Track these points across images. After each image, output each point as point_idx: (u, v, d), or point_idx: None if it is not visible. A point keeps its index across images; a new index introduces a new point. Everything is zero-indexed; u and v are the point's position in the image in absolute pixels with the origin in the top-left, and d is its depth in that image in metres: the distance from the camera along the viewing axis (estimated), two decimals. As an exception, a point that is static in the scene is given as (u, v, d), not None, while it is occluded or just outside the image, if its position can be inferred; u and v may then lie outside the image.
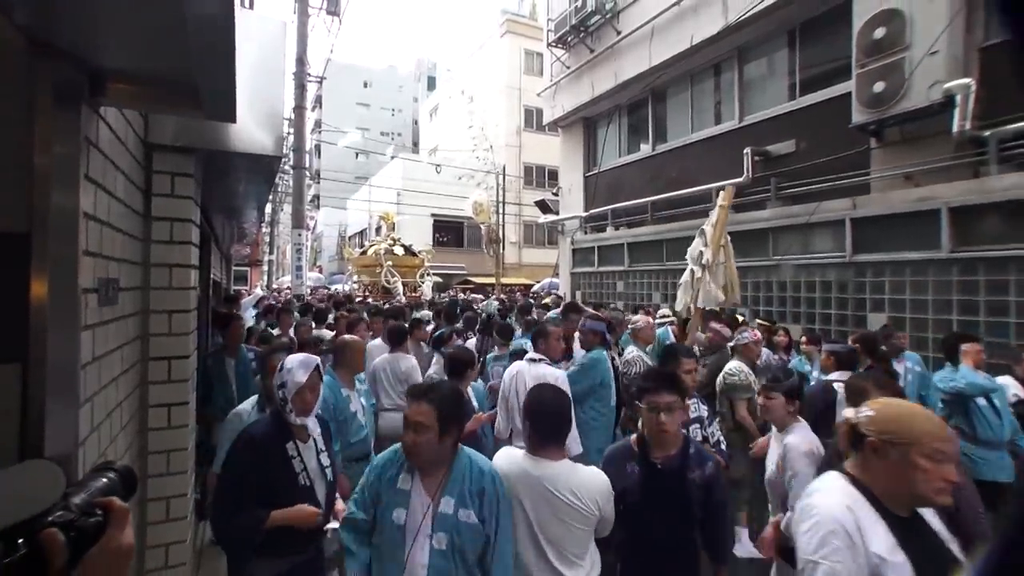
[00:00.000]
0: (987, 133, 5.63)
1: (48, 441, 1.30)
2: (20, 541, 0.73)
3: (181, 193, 2.67)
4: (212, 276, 6.69)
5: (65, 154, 1.41)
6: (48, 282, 1.34)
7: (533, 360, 3.90)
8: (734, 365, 4.64)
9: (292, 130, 13.90)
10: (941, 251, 6.04)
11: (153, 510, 2.53)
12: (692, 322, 5.63)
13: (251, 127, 2.82)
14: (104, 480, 0.91)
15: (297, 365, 2.35)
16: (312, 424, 2.41)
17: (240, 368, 4.76)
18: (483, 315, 8.28)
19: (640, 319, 5.35)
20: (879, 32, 6.22)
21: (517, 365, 3.96)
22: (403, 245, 15.54)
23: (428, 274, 15.60)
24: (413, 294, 14.15)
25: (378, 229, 16.92)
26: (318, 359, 2.45)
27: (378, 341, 5.81)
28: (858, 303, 6.98)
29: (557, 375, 3.77)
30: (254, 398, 3.17)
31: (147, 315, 2.53)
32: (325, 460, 2.46)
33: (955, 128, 5.65)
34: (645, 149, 11.66)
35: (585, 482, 2.15)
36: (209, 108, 1.88)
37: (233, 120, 2.04)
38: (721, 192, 5.76)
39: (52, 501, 0.78)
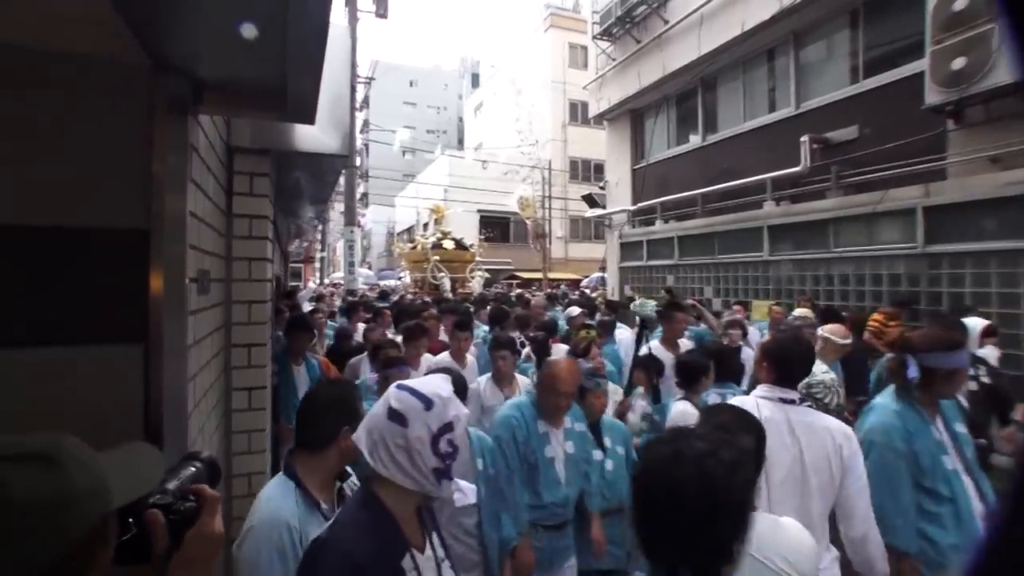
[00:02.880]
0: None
1: (166, 414, 1.45)
2: (131, 521, 0.78)
3: (258, 192, 2.84)
4: (274, 271, 7.00)
5: (176, 159, 1.56)
6: (164, 272, 1.49)
7: (788, 401, 2.29)
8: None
9: (344, 130, 14.37)
10: (1034, 240, 5.61)
11: (237, 485, 2.73)
12: None
13: (318, 128, 2.96)
14: (192, 469, 0.96)
15: (448, 395, 1.42)
16: (470, 491, 1.57)
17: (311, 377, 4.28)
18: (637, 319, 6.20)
19: (832, 327, 3.88)
20: (959, 3, 5.72)
21: (755, 404, 2.27)
22: (453, 239, 14.92)
23: (478, 269, 15.13)
24: (462, 290, 13.64)
25: (436, 222, 16.71)
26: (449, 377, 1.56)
27: (445, 356, 4.45)
28: (932, 297, 6.59)
29: (846, 431, 2.23)
30: (278, 480, 1.76)
31: (229, 305, 2.71)
32: None
33: (1055, 103, 5.10)
34: (695, 140, 11.46)
35: (795, 544, 1.52)
36: (293, 111, 2.01)
37: (312, 122, 2.18)
38: None
39: (157, 480, 0.84)
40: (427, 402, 1.38)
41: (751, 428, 1.69)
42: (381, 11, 13.63)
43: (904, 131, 6.86)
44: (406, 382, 1.46)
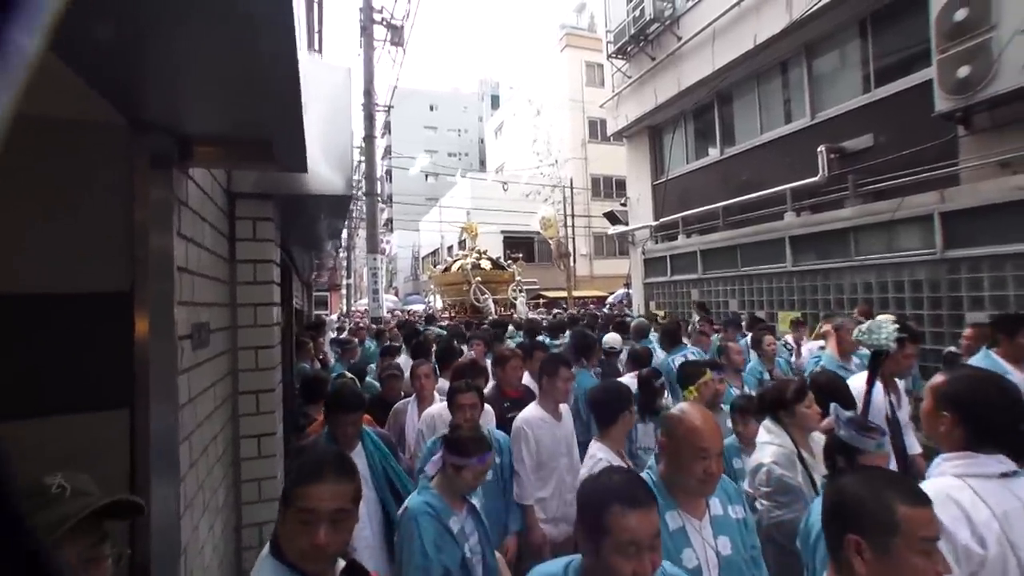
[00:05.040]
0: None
1: (154, 479, 1.46)
2: None
3: (262, 236, 2.89)
4: (294, 304, 7.11)
5: (160, 217, 1.60)
6: (148, 334, 1.52)
7: (1010, 474, 1.60)
8: None
9: (364, 158, 14.55)
10: (1046, 241, 5.55)
11: (247, 536, 2.73)
12: None
13: (323, 170, 3.01)
14: None
15: None
16: None
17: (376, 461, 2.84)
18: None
19: None
20: (960, 13, 5.82)
21: (966, 490, 1.58)
22: (490, 258, 14.40)
23: (521, 289, 14.41)
24: (506, 312, 12.99)
25: (462, 243, 16.26)
26: None
27: (534, 410, 3.42)
28: (953, 302, 6.49)
29: None
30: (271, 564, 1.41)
31: (235, 352, 2.75)
32: None
33: (1054, 108, 5.21)
34: (713, 154, 11.38)
35: None
36: (283, 162, 2.05)
37: (304, 170, 2.23)
38: None
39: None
40: None
41: None
42: (396, 39, 13.83)
43: (918, 138, 6.81)
44: None
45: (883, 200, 7.30)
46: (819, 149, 8.09)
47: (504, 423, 3.52)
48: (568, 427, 3.45)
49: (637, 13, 11.72)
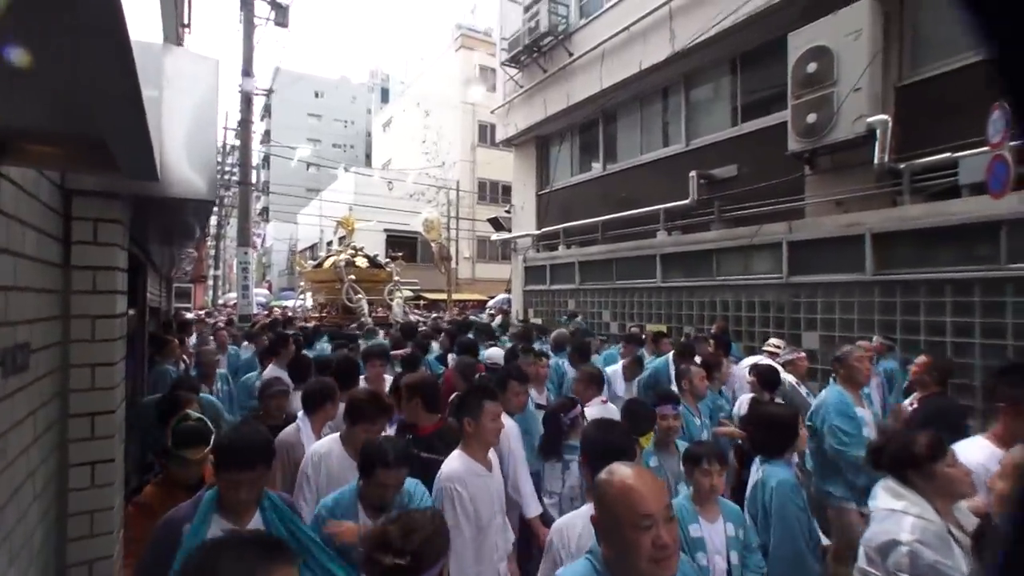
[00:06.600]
0: (902, 166, 6.10)
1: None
2: None
3: (105, 240, 2.54)
4: (149, 303, 6.43)
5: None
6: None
7: None
8: None
9: (238, 142, 13.53)
10: (865, 274, 6.42)
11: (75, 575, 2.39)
12: None
13: (184, 170, 2.72)
14: None
15: None
16: None
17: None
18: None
19: None
20: (811, 67, 6.63)
21: None
22: (366, 256, 13.80)
23: (399, 289, 13.79)
24: (379, 313, 12.59)
25: (341, 239, 15.30)
26: None
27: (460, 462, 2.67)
28: (794, 322, 7.30)
29: None
30: None
31: (67, 370, 2.40)
32: None
33: (876, 160, 6.11)
34: (596, 168, 11.88)
35: None
36: (127, 169, 1.81)
37: (154, 178, 1.99)
38: None
39: None
40: None
41: None
42: (280, 19, 13.00)
43: (773, 172, 7.62)
44: None
45: (743, 226, 8.02)
46: (691, 174, 8.72)
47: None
48: (499, 477, 2.77)
49: (532, 24, 11.95)
